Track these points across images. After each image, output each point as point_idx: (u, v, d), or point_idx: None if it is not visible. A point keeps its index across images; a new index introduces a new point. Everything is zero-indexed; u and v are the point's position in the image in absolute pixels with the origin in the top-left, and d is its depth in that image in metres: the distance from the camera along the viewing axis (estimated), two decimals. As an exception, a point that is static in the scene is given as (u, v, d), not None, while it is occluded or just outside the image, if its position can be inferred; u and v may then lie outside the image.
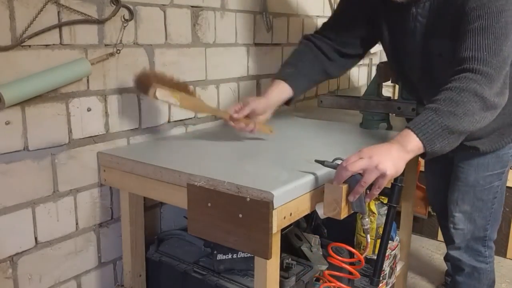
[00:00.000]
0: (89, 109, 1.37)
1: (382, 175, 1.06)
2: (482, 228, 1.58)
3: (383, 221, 1.61)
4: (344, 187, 1.11)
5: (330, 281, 1.32)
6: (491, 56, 1.19)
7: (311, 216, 1.72)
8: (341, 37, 1.58)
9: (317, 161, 1.16)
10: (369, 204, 1.63)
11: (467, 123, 1.16)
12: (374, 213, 1.63)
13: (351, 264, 1.34)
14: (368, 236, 1.26)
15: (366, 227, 1.25)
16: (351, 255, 1.38)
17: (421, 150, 1.14)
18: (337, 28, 1.59)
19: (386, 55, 1.59)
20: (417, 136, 1.13)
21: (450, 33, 1.32)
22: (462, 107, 1.15)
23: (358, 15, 1.55)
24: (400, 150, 1.11)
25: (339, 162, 1.14)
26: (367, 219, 1.24)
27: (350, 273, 1.30)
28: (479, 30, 1.21)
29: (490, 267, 1.63)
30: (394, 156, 1.09)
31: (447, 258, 1.94)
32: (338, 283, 1.27)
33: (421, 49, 1.42)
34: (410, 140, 1.13)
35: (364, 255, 1.25)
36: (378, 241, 1.62)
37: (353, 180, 1.10)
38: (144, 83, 1.33)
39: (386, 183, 1.09)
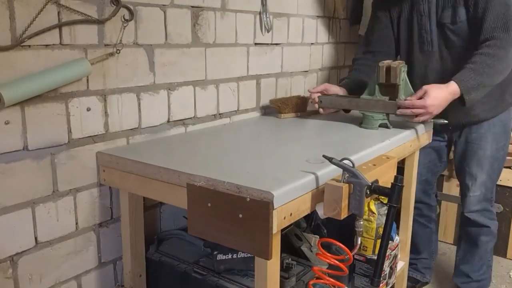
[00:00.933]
0: (88, 109, 1.37)
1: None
2: (490, 191, 1.99)
3: (383, 221, 1.61)
4: (345, 186, 1.11)
5: (320, 278, 1.31)
6: (507, 24, 1.65)
7: (311, 216, 1.72)
8: (379, 49, 2.00)
9: (325, 156, 1.16)
10: (369, 204, 1.63)
11: (495, 79, 1.69)
12: (374, 213, 1.62)
13: (340, 261, 1.33)
14: (359, 238, 1.26)
15: (358, 230, 1.25)
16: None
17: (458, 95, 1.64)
18: (373, 44, 2.02)
19: (401, 43, 1.96)
20: (460, 89, 1.63)
21: (454, 4, 1.76)
22: (493, 69, 1.65)
23: (386, 23, 1.98)
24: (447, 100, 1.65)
25: (347, 162, 1.14)
26: (361, 223, 1.24)
27: (340, 269, 1.29)
28: (493, 4, 1.67)
29: (496, 223, 2.04)
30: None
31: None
32: (329, 279, 1.27)
33: (435, 24, 1.82)
34: (455, 93, 1.64)
35: (353, 253, 1.25)
36: (378, 241, 1.62)
37: (357, 182, 1.11)
38: None
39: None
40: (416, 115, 1.63)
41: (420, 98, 1.62)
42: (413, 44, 1.91)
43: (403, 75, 1.67)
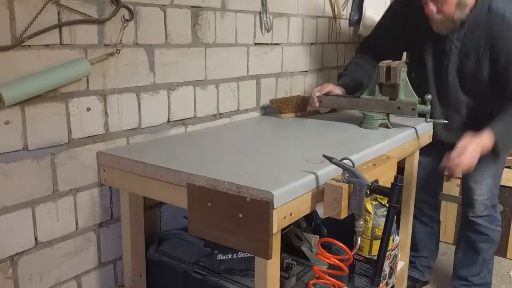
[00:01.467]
0: (88, 109, 1.37)
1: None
2: (495, 196, 1.99)
3: (379, 221, 1.61)
4: (345, 186, 1.11)
5: (320, 277, 1.31)
6: None
7: (311, 216, 1.72)
8: (380, 52, 1.91)
9: (325, 156, 1.16)
10: (365, 203, 1.62)
11: None
12: (370, 213, 1.62)
13: (340, 260, 1.33)
14: (359, 238, 1.26)
15: (358, 229, 1.25)
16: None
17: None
18: (378, 44, 1.98)
19: (418, 69, 1.91)
20: (498, 145, 1.65)
21: (479, 56, 1.70)
22: None
23: (398, 33, 1.90)
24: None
25: (347, 161, 1.14)
26: (361, 222, 1.24)
27: (340, 269, 1.29)
28: None
29: (499, 229, 2.04)
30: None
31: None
32: (329, 278, 1.27)
33: (455, 67, 1.78)
34: (488, 144, 1.64)
35: (353, 253, 1.25)
36: (374, 241, 1.61)
37: (357, 181, 1.11)
38: None
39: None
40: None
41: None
42: (435, 72, 1.86)
43: (403, 75, 1.67)
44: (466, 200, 2.03)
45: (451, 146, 1.93)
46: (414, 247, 2.23)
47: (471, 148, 1.61)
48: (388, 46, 1.95)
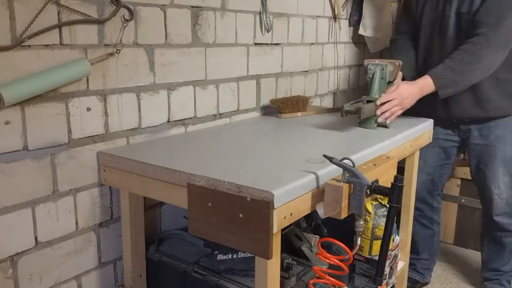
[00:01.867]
0: (88, 109, 1.37)
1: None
2: None
3: (379, 221, 1.61)
4: (345, 186, 1.11)
5: (320, 277, 1.31)
6: (499, 23, 1.66)
7: (311, 216, 1.72)
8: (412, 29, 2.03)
9: (325, 156, 1.16)
10: (365, 204, 1.62)
11: (471, 79, 1.74)
12: (370, 213, 1.62)
13: (340, 261, 1.33)
14: (359, 238, 1.26)
15: (358, 230, 1.25)
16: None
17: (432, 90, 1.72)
18: (407, 24, 2.07)
19: (423, 26, 1.97)
20: (434, 85, 1.70)
21: None
22: (470, 67, 1.69)
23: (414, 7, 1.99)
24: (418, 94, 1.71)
25: (347, 161, 1.14)
26: (361, 223, 1.24)
27: (340, 269, 1.29)
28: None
29: None
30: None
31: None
32: (330, 278, 1.27)
33: (455, 11, 1.83)
34: (428, 87, 1.71)
35: (353, 253, 1.25)
36: (375, 241, 1.62)
37: (357, 181, 1.11)
38: None
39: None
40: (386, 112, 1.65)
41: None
42: (434, 29, 1.92)
43: None
44: (486, 200, 2.05)
45: (457, 128, 2.00)
46: (414, 249, 2.23)
47: (405, 85, 1.68)
48: (412, 21, 2.03)
